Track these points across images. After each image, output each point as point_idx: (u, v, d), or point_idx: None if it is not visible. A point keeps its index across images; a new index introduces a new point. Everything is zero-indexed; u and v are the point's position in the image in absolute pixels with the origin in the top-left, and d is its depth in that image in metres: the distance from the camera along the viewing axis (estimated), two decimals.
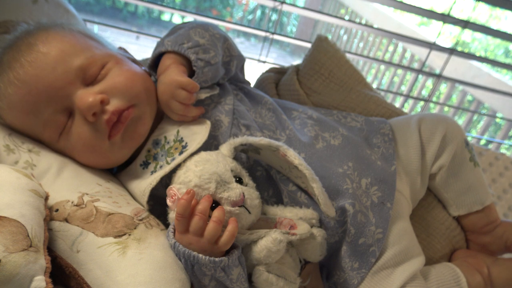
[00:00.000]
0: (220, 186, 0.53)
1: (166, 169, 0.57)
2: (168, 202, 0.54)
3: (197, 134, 0.60)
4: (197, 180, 0.52)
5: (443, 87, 3.26)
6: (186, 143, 0.60)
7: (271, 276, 0.52)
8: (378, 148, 0.74)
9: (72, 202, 0.53)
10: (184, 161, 0.57)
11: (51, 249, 0.50)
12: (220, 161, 0.55)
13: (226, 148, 0.59)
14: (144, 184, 0.58)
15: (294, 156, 0.56)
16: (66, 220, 0.51)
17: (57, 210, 0.52)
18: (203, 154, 0.57)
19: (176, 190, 0.53)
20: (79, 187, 0.56)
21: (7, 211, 0.44)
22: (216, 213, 0.51)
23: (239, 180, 0.56)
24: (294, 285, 0.54)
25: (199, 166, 0.54)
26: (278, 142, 0.57)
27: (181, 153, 0.59)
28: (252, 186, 0.57)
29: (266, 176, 0.64)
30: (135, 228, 0.51)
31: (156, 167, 0.60)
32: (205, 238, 0.50)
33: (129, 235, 0.50)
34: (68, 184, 0.56)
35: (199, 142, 0.58)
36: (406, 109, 2.52)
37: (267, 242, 0.51)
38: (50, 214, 0.51)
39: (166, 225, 0.56)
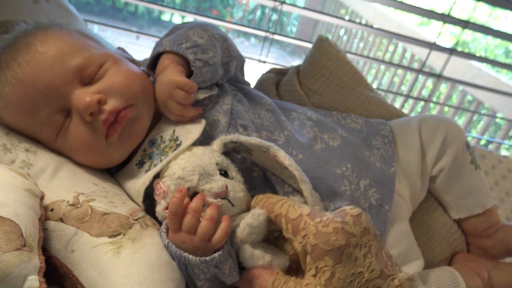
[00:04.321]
0: (203, 178, 0.53)
1: (158, 167, 0.56)
2: (154, 195, 0.55)
3: (191, 133, 0.59)
4: (181, 172, 0.53)
5: (443, 87, 3.26)
6: (181, 141, 0.60)
7: (257, 251, 0.51)
8: (377, 149, 0.74)
9: (68, 202, 0.52)
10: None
11: (46, 249, 0.49)
12: (205, 155, 0.56)
13: (216, 143, 0.59)
14: (139, 184, 0.57)
15: (284, 157, 0.56)
16: (61, 219, 0.51)
17: (52, 210, 0.52)
18: (191, 148, 0.57)
19: (162, 183, 0.54)
20: (75, 187, 0.55)
21: (1, 210, 0.44)
22: (209, 211, 0.51)
23: (225, 174, 0.56)
24: (284, 260, 0.53)
25: (184, 159, 0.55)
26: (268, 143, 0.57)
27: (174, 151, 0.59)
28: (240, 180, 0.57)
29: (263, 177, 0.64)
30: (130, 228, 0.51)
31: (150, 166, 0.60)
32: (197, 236, 0.50)
33: (124, 235, 0.50)
34: (64, 183, 0.56)
35: (192, 140, 0.58)
36: (406, 109, 2.52)
37: (247, 219, 0.51)
38: (45, 214, 0.51)
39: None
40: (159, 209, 0.54)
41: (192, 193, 0.53)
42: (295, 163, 0.56)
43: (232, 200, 0.54)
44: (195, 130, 0.60)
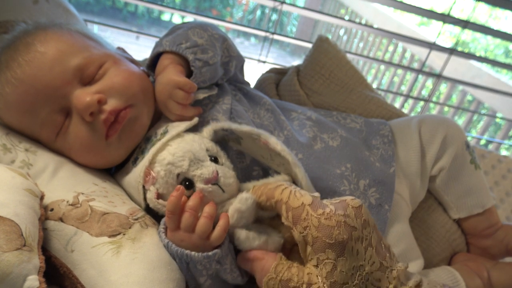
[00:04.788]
0: (193, 164, 0.53)
1: (145, 160, 0.56)
2: (144, 182, 0.55)
3: (180, 126, 0.59)
4: (171, 158, 0.53)
5: (443, 87, 3.26)
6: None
7: (252, 233, 0.51)
8: (377, 149, 0.74)
9: (67, 202, 0.52)
10: None
11: (45, 249, 0.49)
12: (195, 141, 0.56)
13: (206, 130, 0.59)
14: (134, 182, 0.57)
15: (276, 143, 0.56)
16: (61, 219, 0.51)
17: (52, 210, 0.52)
18: (181, 134, 0.57)
19: (151, 169, 0.54)
20: (75, 187, 0.55)
21: (1, 210, 0.44)
22: (207, 208, 0.51)
23: (215, 160, 0.56)
24: (278, 239, 0.52)
25: (174, 145, 0.55)
26: (259, 130, 0.57)
27: None
28: (229, 166, 0.57)
29: (263, 176, 0.64)
30: (130, 228, 0.51)
31: (142, 161, 0.59)
32: (196, 234, 0.50)
33: (124, 234, 0.50)
34: (64, 183, 0.56)
35: (177, 131, 0.58)
36: (406, 109, 2.52)
37: (235, 204, 0.51)
38: (45, 214, 0.51)
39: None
40: (150, 196, 0.54)
41: (183, 179, 0.53)
42: (286, 148, 0.56)
43: (223, 186, 0.54)
44: (183, 125, 0.59)
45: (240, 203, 0.51)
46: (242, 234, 0.51)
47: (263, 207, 0.52)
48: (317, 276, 0.44)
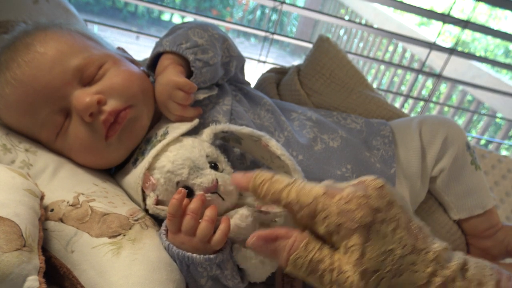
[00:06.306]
0: (193, 172, 0.53)
1: (145, 162, 0.56)
2: (143, 187, 0.55)
3: (180, 128, 0.59)
4: (170, 166, 0.53)
5: (443, 87, 3.26)
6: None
7: (249, 251, 0.51)
8: (377, 150, 0.74)
9: (68, 202, 0.52)
10: None
11: (46, 249, 0.49)
12: (195, 147, 0.55)
13: (206, 133, 0.59)
14: (133, 183, 0.57)
15: (276, 147, 0.56)
16: (61, 220, 0.51)
17: (52, 210, 0.52)
18: (180, 138, 0.57)
19: (151, 175, 0.54)
20: (75, 187, 0.55)
21: (1, 210, 0.44)
22: (208, 212, 0.51)
23: (214, 166, 0.55)
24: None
25: (174, 152, 0.54)
26: (260, 132, 0.57)
27: None
28: (230, 172, 0.57)
29: None
30: (130, 229, 0.51)
31: (142, 162, 0.59)
32: (197, 237, 0.50)
33: (124, 235, 0.50)
34: (64, 184, 0.56)
35: (178, 134, 0.58)
36: (406, 109, 2.52)
37: (235, 220, 0.51)
38: (45, 214, 0.51)
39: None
40: (149, 202, 0.54)
41: (182, 187, 0.53)
42: (286, 152, 0.56)
43: (223, 194, 0.54)
44: (183, 126, 0.59)
45: (240, 219, 0.50)
46: (239, 251, 0.52)
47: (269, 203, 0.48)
48: (346, 263, 0.40)
